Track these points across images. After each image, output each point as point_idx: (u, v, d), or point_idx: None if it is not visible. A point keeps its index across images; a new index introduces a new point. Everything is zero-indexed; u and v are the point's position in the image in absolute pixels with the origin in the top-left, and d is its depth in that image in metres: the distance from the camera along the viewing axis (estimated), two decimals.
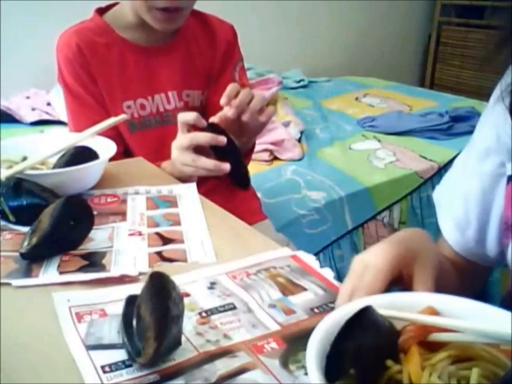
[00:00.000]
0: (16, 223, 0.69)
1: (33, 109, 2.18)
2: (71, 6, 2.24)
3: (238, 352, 0.48)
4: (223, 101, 0.88)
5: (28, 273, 0.59)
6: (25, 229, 0.64)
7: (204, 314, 0.53)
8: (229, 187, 1.10)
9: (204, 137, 0.88)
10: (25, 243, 0.61)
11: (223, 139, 0.86)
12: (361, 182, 1.65)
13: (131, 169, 0.92)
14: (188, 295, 0.56)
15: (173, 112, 1.15)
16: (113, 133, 1.05)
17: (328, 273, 0.61)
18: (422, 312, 0.43)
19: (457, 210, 0.66)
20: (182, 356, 0.47)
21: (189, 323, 0.51)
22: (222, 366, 0.46)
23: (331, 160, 1.85)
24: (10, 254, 0.62)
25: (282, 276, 0.61)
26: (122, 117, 0.92)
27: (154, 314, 0.44)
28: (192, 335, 0.50)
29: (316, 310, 0.55)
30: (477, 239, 0.65)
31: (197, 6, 1.16)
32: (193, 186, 0.86)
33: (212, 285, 0.59)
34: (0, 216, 0.69)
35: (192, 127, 0.91)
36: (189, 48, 1.16)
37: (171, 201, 0.80)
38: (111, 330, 0.50)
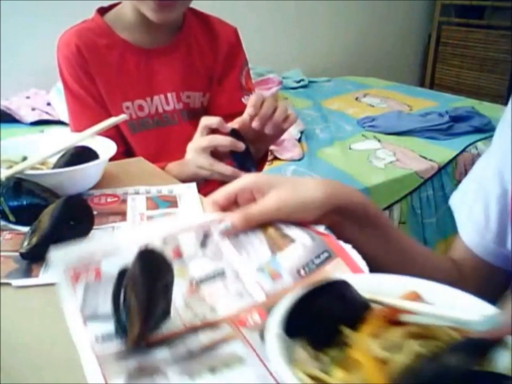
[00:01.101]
0: (16, 223, 0.69)
1: (33, 109, 2.18)
2: (72, 6, 2.24)
3: (221, 325, 0.49)
4: (250, 111, 0.88)
5: (27, 273, 0.59)
6: (25, 229, 0.64)
7: (194, 282, 0.53)
8: None
9: (224, 141, 0.88)
10: (25, 243, 0.61)
11: (241, 145, 0.88)
12: (361, 182, 1.65)
13: (131, 169, 0.92)
14: (179, 254, 0.55)
15: (171, 113, 1.15)
16: (113, 133, 1.05)
17: (321, 228, 0.59)
18: (405, 296, 0.44)
19: (477, 212, 0.66)
20: (169, 328, 0.48)
21: (179, 294, 0.51)
22: (204, 338, 0.47)
23: (331, 160, 1.85)
24: (10, 254, 0.62)
25: (273, 225, 0.59)
26: (122, 116, 0.92)
27: (141, 297, 0.44)
28: (182, 307, 0.50)
29: (301, 272, 0.54)
30: (497, 239, 0.64)
31: (196, 6, 1.16)
32: (193, 186, 0.85)
33: (205, 239, 0.58)
34: (0, 216, 0.69)
35: (211, 132, 0.91)
36: (189, 49, 1.16)
37: (171, 201, 0.80)
38: (106, 298, 0.48)
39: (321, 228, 0.59)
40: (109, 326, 0.46)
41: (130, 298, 0.45)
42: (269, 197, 0.57)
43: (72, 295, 0.49)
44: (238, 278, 0.54)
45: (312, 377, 0.37)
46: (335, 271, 0.51)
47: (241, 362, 0.44)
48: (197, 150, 0.91)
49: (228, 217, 0.58)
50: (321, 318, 0.41)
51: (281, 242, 0.57)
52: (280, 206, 0.57)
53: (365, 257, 0.57)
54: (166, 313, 0.47)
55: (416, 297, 0.44)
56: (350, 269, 0.52)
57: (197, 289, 0.53)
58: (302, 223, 0.59)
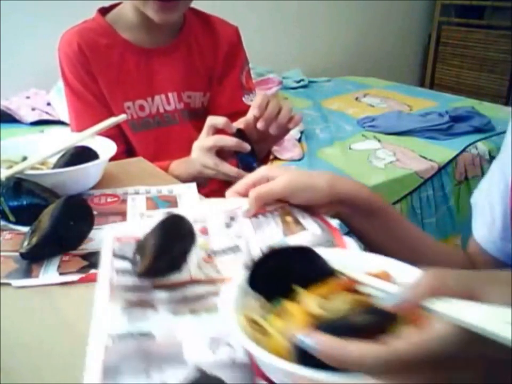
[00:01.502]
0: (16, 223, 0.69)
1: (33, 109, 2.18)
2: (71, 6, 2.24)
3: (219, 283, 0.56)
4: (255, 112, 0.88)
5: (28, 273, 0.59)
6: (25, 229, 0.64)
7: (211, 254, 0.61)
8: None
9: (230, 141, 0.88)
10: (25, 243, 0.61)
11: (247, 146, 0.88)
12: (361, 182, 1.65)
13: (131, 169, 0.92)
14: (205, 232, 0.64)
15: (173, 113, 1.16)
16: (115, 132, 1.05)
17: (334, 222, 0.64)
18: (375, 274, 0.46)
19: (486, 208, 0.69)
20: (176, 278, 0.56)
21: (196, 258, 0.59)
22: (201, 290, 0.55)
23: (331, 160, 1.86)
24: (10, 254, 0.62)
25: (291, 215, 0.66)
26: (122, 116, 0.92)
27: (155, 243, 0.55)
28: (194, 267, 0.58)
29: None
30: (503, 235, 0.67)
31: (196, 6, 1.16)
32: (193, 186, 0.86)
33: (231, 221, 0.66)
34: (0, 216, 0.69)
35: (217, 132, 0.91)
36: (190, 48, 1.16)
37: (171, 201, 0.80)
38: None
39: (334, 222, 0.65)
40: (130, 265, 0.56)
41: (149, 243, 0.56)
42: (278, 179, 0.65)
43: (111, 248, 0.60)
44: (249, 253, 0.60)
45: (253, 321, 0.42)
46: None
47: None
48: (202, 149, 0.91)
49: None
50: (281, 275, 0.45)
51: (295, 229, 0.63)
52: (286, 186, 0.64)
53: (370, 243, 0.68)
54: (178, 266, 0.57)
55: (386, 276, 0.46)
56: None
57: (212, 259, 0.60)
58: (316, 214, 0.65)
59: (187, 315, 0.51)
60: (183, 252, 0.58)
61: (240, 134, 0.90)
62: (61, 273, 0.58)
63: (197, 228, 0.63)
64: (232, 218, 0.66)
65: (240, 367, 0.44)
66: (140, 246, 0.58)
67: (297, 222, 0.64)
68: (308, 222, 0.64)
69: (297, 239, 0.60)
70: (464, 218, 1.88)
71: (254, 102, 0.89)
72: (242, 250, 0.61)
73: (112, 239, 0.62)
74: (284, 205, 0.67)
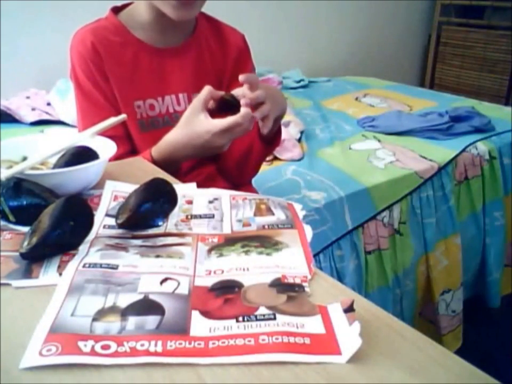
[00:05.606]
0: (16, 223, 0.69)
1: (33, 109, 2.18)
2: (72, 6, 2.24)
3: (187, 237, 0.66)
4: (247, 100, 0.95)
5: (28, 273, 0.59)
6: (25, 229, 0.64)
7: (189, 217, 0.72)
8: (228, 185, 1.12)
9: (245, 129, 0.95)
10: (25, 243, 0.61)
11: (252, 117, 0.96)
12: (361, 182, 1.65)
13: (131, 169, 0.92)
14: (190, 202, 0.76)
15: (182, 113, 1.16)
16: (121, 132, 1.06)
17: (308, 230, 0.68)
18: None
19: None
20: (153, 231, 0.68)
21: (175, 218, 0.71)
22: (170, 240, 0.65)
23: (331, 160, 1.85)
24: (10, 254, 0.62)
25: (265, 204, 0.75)
26: (123, 116, 0.92)
27: (134, 200, 0.68)
28: (171, 224, 0.70)
29: (266, 227, 0.69)
30: None
31: None
32: (193, 186, 0.86)
33: (214, 200, 0.77)
34: (0, 216, 0.69)
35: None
36: (201, 51, 1.17)
37: None
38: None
39: (298, 208, 0.74)
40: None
41: (131, 200, 0.69)
42: None
43: (107, 204, 0.75)
44: (221, 220, 0.71)
45: None
46: (288, 235, 0.66)
47: (180, 257, 0.61)
48: (217, 134, 0.95)
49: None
50: None
51: (264, 213, 0.73)
52: None
53: None
54: (156, 222, 0.69)
55: None
56: (300, 238, 0.65)
57: (188, 221, 0.71)
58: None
59: (152, 258, 0.60)
60: (162, 210, 0.69)
61: (232, 97, 0.97)
62: (61, 273, 0.58)
63: (184, 200, 0.76)
64: (215, 199, 0.78)
65: (180, 297, 0.53)
66: (124, 203, 0.69)
67: (269, 209, 0.74)
68: (277, 211, 0.73)
69: (264, 219, 0.71)
70: (464, 218, 1.88)
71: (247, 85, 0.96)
72: (215, 219, 0.71)
73: (111, 195, 0.77)
74: (263, 197, 0.77)
